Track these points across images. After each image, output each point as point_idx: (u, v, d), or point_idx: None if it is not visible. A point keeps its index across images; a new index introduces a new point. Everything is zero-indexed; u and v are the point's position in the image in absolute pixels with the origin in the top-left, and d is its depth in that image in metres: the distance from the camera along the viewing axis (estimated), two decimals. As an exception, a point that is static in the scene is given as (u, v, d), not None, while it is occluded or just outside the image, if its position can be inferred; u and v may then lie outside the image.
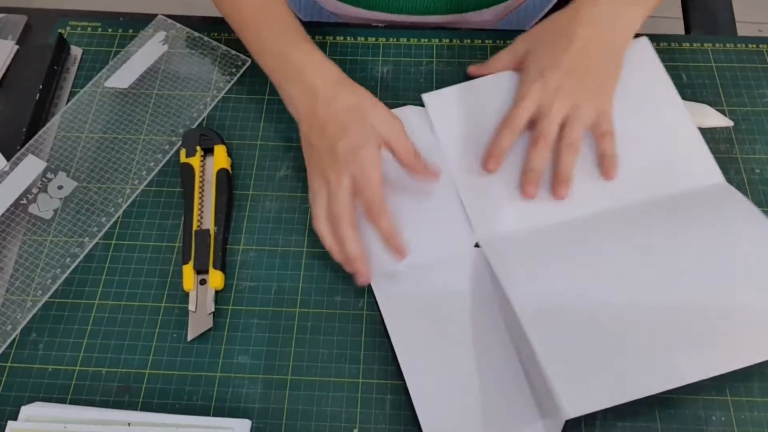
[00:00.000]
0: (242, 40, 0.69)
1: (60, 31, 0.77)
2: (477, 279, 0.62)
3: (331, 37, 0.76)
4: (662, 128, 0.67)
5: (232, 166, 0.68)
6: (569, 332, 0.56)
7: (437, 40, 0.76)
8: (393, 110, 0.68)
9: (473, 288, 0.61)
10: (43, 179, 0.67)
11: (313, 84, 0.62)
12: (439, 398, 0.56)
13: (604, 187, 0.65)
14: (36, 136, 0.69)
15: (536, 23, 0.88)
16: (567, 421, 0.55)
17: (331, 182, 0.59)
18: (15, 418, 0.55)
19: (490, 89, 0.69)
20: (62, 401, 0.58)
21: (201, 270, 0.62)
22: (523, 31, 0.81)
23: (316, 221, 0.61)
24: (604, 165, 0.65)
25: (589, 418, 0.56)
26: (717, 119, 0.70)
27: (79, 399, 0.58)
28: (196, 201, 0.65)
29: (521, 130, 0.65)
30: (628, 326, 0.56)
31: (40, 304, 0.62)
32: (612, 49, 0.65)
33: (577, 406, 0.52)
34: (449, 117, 0.69)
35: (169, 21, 0.77)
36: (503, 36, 0.76)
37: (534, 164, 0.63)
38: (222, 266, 0.63)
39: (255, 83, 0.73)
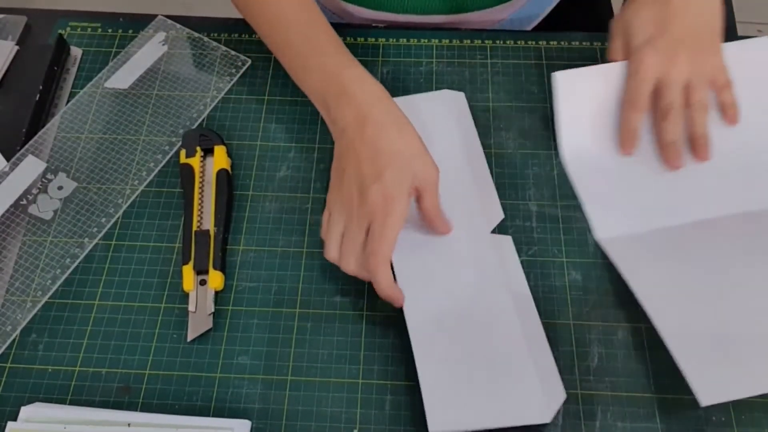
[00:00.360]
0: (279, 55, 0.69)
1: (60, 31, 0.77)
2: (489, 270, 0.61)
3: (331, 38, 0.76)
4: None
5: (232, 166, 0.68)
6: (699, 327, 0.57)
7: (437, 40, 0.76)
8: (399, 99, 0.68)
9: (483, 279, 0.61)
10: (43, 180, 0.67)
11: (364, 110, 0.61)
12: (448, 386, 0.56)
13: (726, 191, 0.65)
14: (36, 137, 0.69)
15: (538, 23, 0.89)
16: (568, 422, 0.55)
17: (352, 220, 0.59)
18: (15, 419, 0.55)
19: (613, 78, 0.67)
20: (62, 402, 0.58)
21: (201, 270, 0.62)
22: (523, 31, 0.81)
23: (328, 252, 0.61)
24: (729, 114, 0.65)
25: (590, 419, 0.56)
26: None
27: (79, 399, 0.58)
28: (196, 201, 0.65)
29: (647, 106, 0.64)
30: (756, 325, 0.57)
31: (39, 305, 0.62)
32: (709, 7, 0.65)
33: (711, 396, 0.53)
34: (577, 103, 0.67)
35: (169, 21, 0.77)
36: (503, 36, 0.76)
37: (672, 136, 0.64)
38: (222, 267, 0.63)
39: (255, 83, 0.73)
